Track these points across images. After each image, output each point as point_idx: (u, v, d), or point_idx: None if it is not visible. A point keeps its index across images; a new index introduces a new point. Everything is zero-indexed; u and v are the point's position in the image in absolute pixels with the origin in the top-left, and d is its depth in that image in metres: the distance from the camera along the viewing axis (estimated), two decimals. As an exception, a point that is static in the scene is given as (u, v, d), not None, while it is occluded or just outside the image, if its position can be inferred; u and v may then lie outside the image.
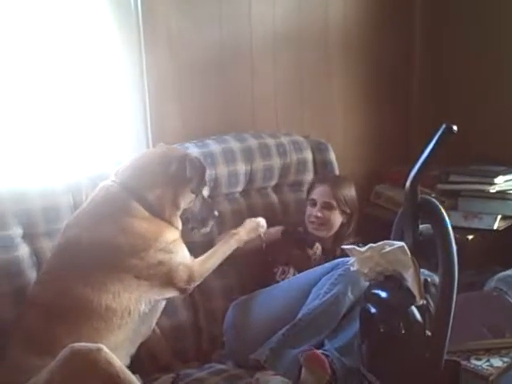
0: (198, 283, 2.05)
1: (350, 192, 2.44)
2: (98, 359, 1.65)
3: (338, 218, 2.40)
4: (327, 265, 2.19)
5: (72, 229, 1.93)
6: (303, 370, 1.91)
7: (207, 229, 2.20)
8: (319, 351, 1.95)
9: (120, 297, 1.87)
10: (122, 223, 1.93)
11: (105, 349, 1.67)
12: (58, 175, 2.13)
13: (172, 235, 2.01)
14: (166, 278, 1.96)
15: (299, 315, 2.07)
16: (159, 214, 1.99)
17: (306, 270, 2.28)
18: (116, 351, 1.75)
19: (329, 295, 2.06)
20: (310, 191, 2.49)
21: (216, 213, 2.21)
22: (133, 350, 1.97)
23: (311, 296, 2.11)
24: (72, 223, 1.96)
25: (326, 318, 2.05)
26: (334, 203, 2.38)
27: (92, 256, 1.88)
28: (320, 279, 2.14)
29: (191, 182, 2.04)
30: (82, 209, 1.99)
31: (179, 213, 2.06)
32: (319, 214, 2.38)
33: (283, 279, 2.34)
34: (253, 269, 2.40)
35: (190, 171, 2.02)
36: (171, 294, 2.01)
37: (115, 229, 1.91)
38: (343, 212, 2.41)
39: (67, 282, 1.85)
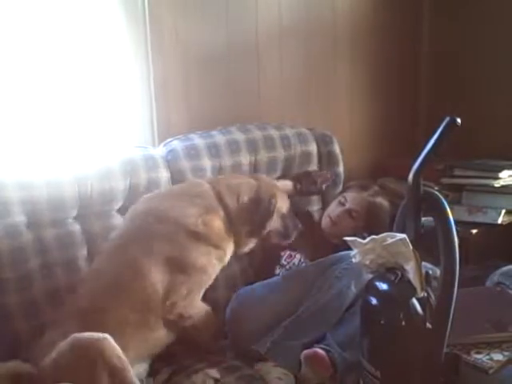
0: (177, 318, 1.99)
1: (385, 210, 2.49)
2: (103, 349, 1.66)
3: (352, 229, 2.41)
4: (331, 258, 2.19)
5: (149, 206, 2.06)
6: (303, 366, 1.93)
7: (290, 240, 2.29)
8: (320, 346, 1.96)
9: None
10: (206, 216, 2.05)
11: (109, 339, 1.68)
12: (64, 166, 2.13)
13: (226, 257, 2.11)
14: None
15: (302, 308, 2.07)
16: (235, 229, 2.12)
17: (312, 254, 2.31)
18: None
19: (332, 289, 2.06)
20: (345, 190, 2.54)
21: (299, 225, 2.28)
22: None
23: (314, 289, 2.11)
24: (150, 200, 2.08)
25: (328, 312, 2.04)
26: (361, 214, 2.45)
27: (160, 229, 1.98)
28: (323, 272, 2.14)
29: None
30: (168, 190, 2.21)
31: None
32: (339, 216, 2.45)
33: (288, 263, 2.35)
34: (258, 251, 2.39)
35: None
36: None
37: (197, 216, 2.03)
38: (367, 225, 2.43)
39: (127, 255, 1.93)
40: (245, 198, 2.15)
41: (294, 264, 2.37)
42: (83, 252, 2.11)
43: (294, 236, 2.29)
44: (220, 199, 2.12)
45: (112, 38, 2.37)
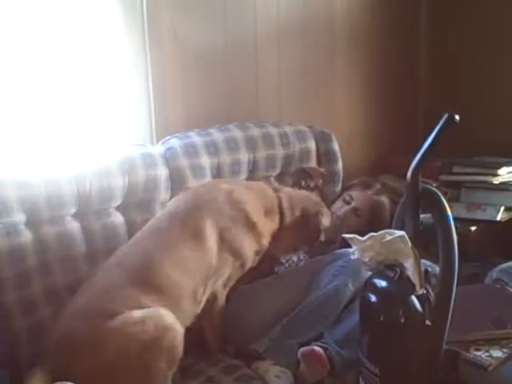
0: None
1: (388, 208, 2.51)
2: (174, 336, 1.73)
3: (355, 227, 2.38)
4: (329, 255, 2.20)
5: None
6: (301, 364, 1.93)
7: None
8: (317, 344, 1.96)
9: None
10: (265, 214, 2.13)
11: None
12: (63, 164, 2.13)
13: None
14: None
15: (300, 306, 2.07)
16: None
17: (310, 252, 2.32)
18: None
19: (330, 286, 2.07)
20: (349, 188, 2.53)
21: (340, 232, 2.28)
22: None
23: (312, 287, 2.12)
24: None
25: (326, 310, 2.05)
26: (366, 213, 2.46)
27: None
28: (321, 270, 2.15)
29: None
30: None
31: None
32: (344, 214, 2.46)
33: (287, 261, 2.35)
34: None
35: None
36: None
37: (260, 210, 2.12)
38: (371, 223, 2.43)
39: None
40: (297, 213, 2.20)
41: (292, 262, 2.37)
42: (82, 250, 2.10)
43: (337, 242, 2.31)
44: (280, 207, 2.18)
45: (110, 37, 2.36)
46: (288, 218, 2.18)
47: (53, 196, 2.04)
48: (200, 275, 1.94)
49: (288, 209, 2.19)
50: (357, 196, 2.50)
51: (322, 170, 2.60)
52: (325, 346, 1.95)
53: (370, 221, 2.46)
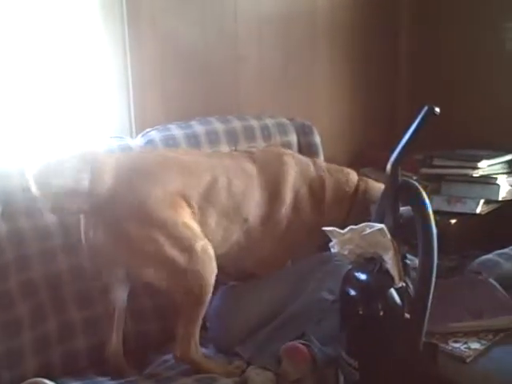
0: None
1: None
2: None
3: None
4: (316, 257, 2.20)
5: None
6: (283, 361, 1.91)
7: None
8: (300, 341, 1.95)
9: None
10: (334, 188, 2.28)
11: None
12: (39, 156, 2.09)
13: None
14: None
15: (285, 313, 2.06)
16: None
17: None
18: None
19: (315, 293, 2.07)
20: None
21: None
22: None
23: (297, 291, 2.11)
24: None
25: (310, 315, 2.04)
26: None
27: None
28: (307, 274, 2.14)
29: None
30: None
31: None
32: None
33: None
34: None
35: None
36: None
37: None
38: None
39: None
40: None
41: None
42: (59, 242, 2.07)
43: None
44: (353, 195, 2.30)
45: (89, 29, 2.33)
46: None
47: (28, 188, 2.01)
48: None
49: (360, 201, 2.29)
50: None
51: None
52: (307, 342, 1.95)
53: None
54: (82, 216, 1.91)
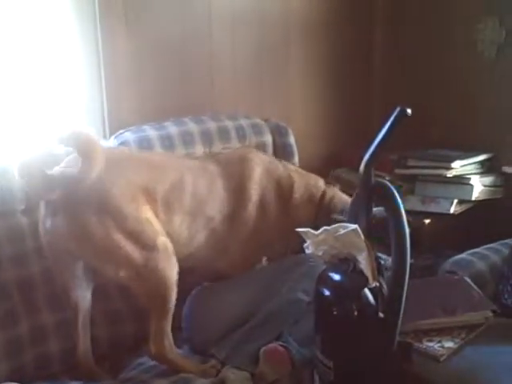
0: None
1: None
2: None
3: None
4: (291, 259, 2.20)
5: None
6: (261, 363, 1.91)
7: None
8: (279, 343, 1.96)
9: None
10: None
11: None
12: (11, 156, 2.07)
13: None
14: None
15: (260, 313, 2.06)
16: None
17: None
18: None
19: (290, 293, 2.07)
20: None
21: None
22: None
23: (272, 292, 2.10)
24: None
25: (286, 316, 2.04)
26: None
27: None
28: (283, 274, 2.13)
29: None
30: None
31: None
32: None
33: None
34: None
35: None
36: None
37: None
38: None
39: None
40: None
41: None
42: (32, 245, 2.04)
43: None
44: (321, 199, 2.32)
45: (61, 26, 2.31)
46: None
47: (1, 189, 1.99)
48: None
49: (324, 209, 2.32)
50: None
51: None
52: (285, 344, 1.95)
53: None
54: (42, 203, 1.87)
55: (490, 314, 2.00)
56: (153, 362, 1.97)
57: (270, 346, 1.94)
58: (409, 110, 1.67)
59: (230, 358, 1.98)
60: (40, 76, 2.31)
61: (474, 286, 2.12)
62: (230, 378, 1.87)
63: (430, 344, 1.88)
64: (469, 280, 2.15)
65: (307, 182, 2.35)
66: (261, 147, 2.61)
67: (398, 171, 2.88)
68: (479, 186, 2.78)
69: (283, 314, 2.04)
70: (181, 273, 1.93)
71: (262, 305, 2.08)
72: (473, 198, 2.76)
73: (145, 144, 2.32)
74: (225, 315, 2.09)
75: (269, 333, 2.01)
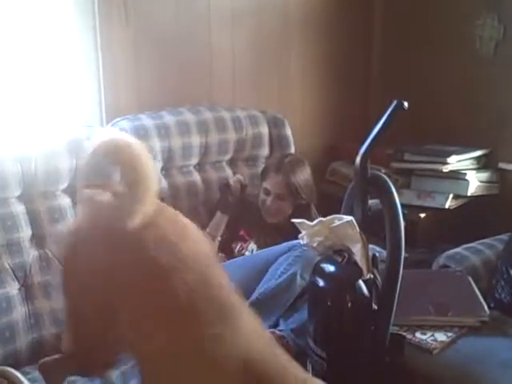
0: None
1: (305, 179, 2.42)
2: None
3: (291, 205, 2.41)
4: (284, 245, 2.19)
5: None
6: None
7: None
8: (276, 332, 1.95)
9: None
10: None
11: None
12: (8, 144, 2.06)
13: None
14: None
15: (255, 295, 2.06)
16: None
17: (264, 242, 2.32)
18: None
19: (285, 276, 2.07)
20: (264, 177, 2.45)
21: None
22: None
23: (267, 276, 2.11)
24: None
25: (280, 299, 2.05)
26: (288, 194, 2.38)
27: None
28: (276, 259, 2.14)
29: None
30: None
31: None
32: (273, 206, 2.39)
33: (242, 255, 2.34)
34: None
35: None
36: None
37: None
38: (297, 200, 2.40)
39: None
40: None
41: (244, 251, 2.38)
42: (28, 233, 2.05)
43: None
44: None
45: (60, 18, 2.30)
46: None
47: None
48: None
49: None
50: (271, 185, 2.41)
51: (243, 180, 2.51)
52: (281, 333, 1.96)
53: (296, 197, 2.40)
54: None
55: (484, 319, 1.96)
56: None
57: (270, 332, 1.94)
58: (405, 103, 1.67)
59: None
60: (38, 65, 2.30)
61: (474, 286, 2.11)
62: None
63: (423, 337, 1.88)
64: (470, 279, 2.15)
65: None
66: (257, 138, 2.62)
67: (394, 165, 2.88)
68: (475, 182, 2.78)
69: (278, 297, 2.05)
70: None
71: (253, 289, 2.08)
72: (468, 194, 2.77)
73: (141, 132, 2.32)
74: None
75: (264, 317, 2.01)
